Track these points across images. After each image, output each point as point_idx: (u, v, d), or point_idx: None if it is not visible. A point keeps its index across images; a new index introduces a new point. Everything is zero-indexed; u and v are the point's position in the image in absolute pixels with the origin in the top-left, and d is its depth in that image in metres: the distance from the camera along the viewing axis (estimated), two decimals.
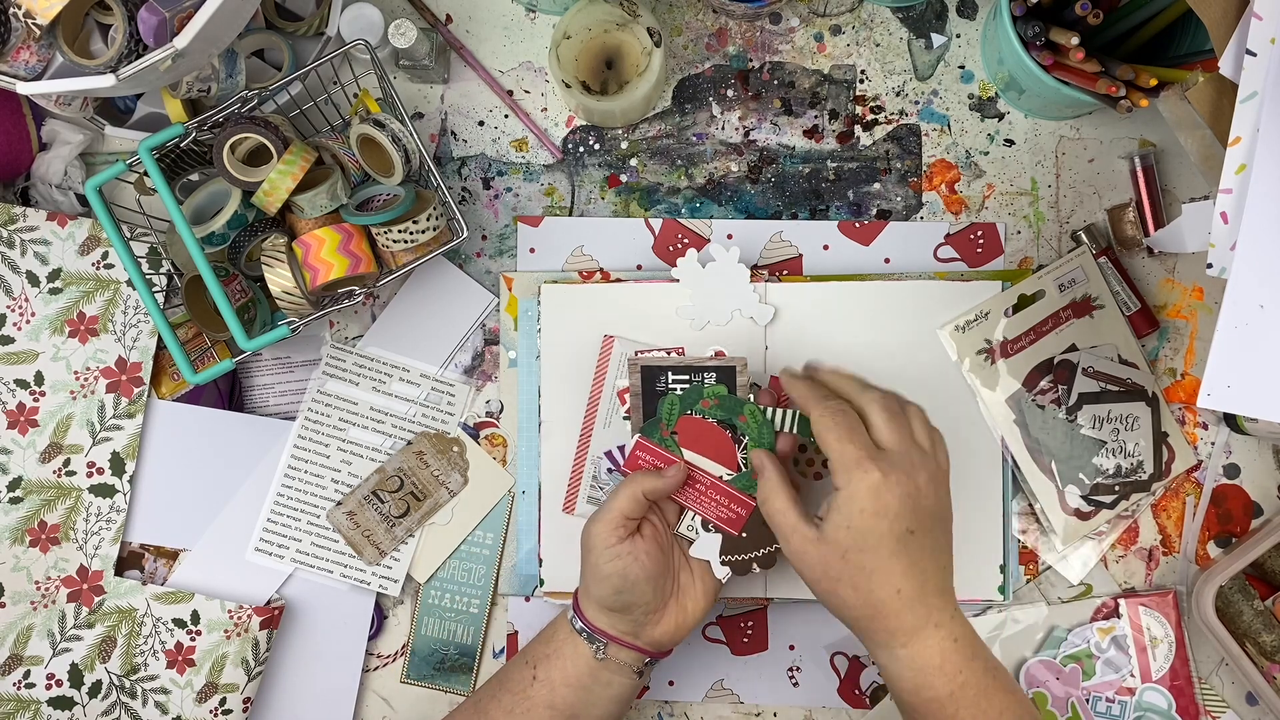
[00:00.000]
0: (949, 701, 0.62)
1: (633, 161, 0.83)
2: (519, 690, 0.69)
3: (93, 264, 0.81)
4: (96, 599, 0.80)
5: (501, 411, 0.83)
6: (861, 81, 0.83)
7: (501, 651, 0.82)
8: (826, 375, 0.68)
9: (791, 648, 0.81)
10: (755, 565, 0.71)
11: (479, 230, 0.84)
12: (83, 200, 0.83)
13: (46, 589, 0.80)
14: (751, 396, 0.73)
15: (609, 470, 0.80)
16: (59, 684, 0.79)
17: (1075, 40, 0.68)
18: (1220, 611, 0.77)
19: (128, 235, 0.80)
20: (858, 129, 0.83)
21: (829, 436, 0.62)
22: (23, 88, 0.68)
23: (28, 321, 0.80)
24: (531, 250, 0.83)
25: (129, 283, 0.81)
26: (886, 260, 0.82)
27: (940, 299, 0.79)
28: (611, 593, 0.68)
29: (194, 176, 0.79)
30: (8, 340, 0.80)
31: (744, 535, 0.71)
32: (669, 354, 0.78)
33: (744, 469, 0.71)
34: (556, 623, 0.72)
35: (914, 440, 0.64)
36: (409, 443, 0.82)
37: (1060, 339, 0.79)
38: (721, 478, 0.70)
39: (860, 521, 0.61)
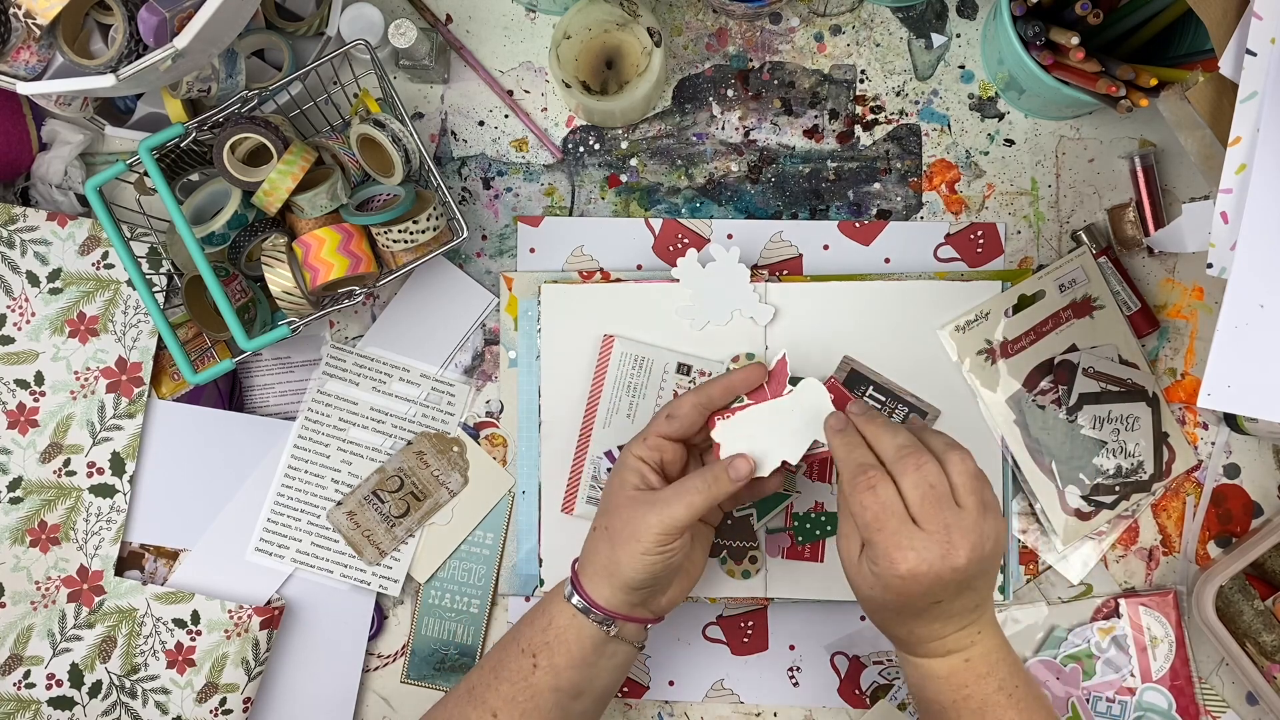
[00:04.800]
0: (987, 701, 0.63)
1: (633, 161, 0.83)
2: (519, 679, 0.68)
3: (93, 264, 0.81)
4: (97, 599, 0.80)
5: (501, 411, 0.83)
6: (861, 81, 0.83)
7: None
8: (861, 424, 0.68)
9: (791, 648, 0.81)
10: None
11: (479, 230, 0.84)
12: (83, 200, 0.83)
13: (47, 589, 0.80)
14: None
15: (609, 470, 0.80)
16: (59, 684, 0.79)
17: (1075, 40, 0.68)
18: (1220, 611, 0.77)
19: (128, 235, 0.80)
20: (858, 129, 0.83)
21: (899, 446, 0.63)
22: (23, 88, 0.68)
23: (28, 321, 0.80)
24: (531, 250, 0.83)
25: (129, 283, 0.81)
26: (886, 260, 0.82)
27: (940, 299, 0.79)
28: (649, 580, 0.66)
29: (194, 176, 0.79)
30: (8, 340, 0.80)
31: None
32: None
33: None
34: (551, 608, 0.69)
35: None
36: (409, 443, 0.82)
37: (1060, 339, 0.79)
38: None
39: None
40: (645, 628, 0.70)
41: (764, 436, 0.69)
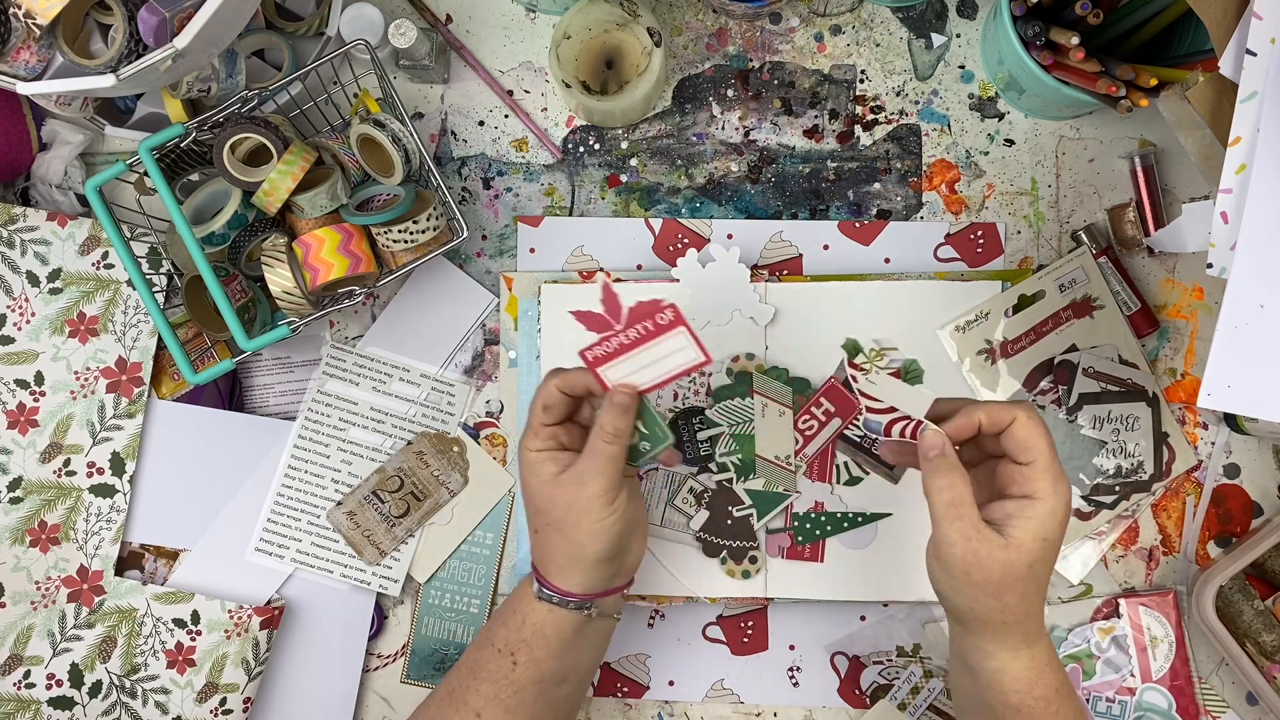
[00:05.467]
0: (1055, 698, 0.63)
1: (633, 161, 0.83)
2: (499, 678, 0.67)
3: (93, 264, 0.81)
4: (97, 599, 0.80)
5: (501, 411, 0.83)
6: (861, 81, 0.83)
7: None
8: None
9: (791, 648, 0.81)
10: None
11: (479, 230, 0.84)
12: (83, 200, 0.83)
13: (47, 589, 0.80)
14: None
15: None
16: (59, 684, 0.79)
17: (1075, 40, 0.68)
18: (1220, 611, 0.77)
19: (128, 235, 0.80)
20: (858, 129, 0.83)
21: (1044, 442, 0.60)
22: (23, 88, 0.68)
23: (28, 321, 0.80)
24: (531, 250, 0.83)
25: (129, 283, 0.81)
26: (886, 260, 0.82)
27: (940, 299, 0.79)
28: (615, 545, 0.66)
29: (194, 176, 0.79)
30: (8, 340, 0.80)
31: None
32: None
33: None
34: (521, 606, 0.68)
35: None
36: (409, 443, 0.82)
37: (1060, 339, 0.79)
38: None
39: (1054, 535, 0.60)
40: (621, 595, 0.70)
41: (641, 370, 0.66)
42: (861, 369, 0.63)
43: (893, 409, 0.63)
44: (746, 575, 0.79)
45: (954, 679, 0.68)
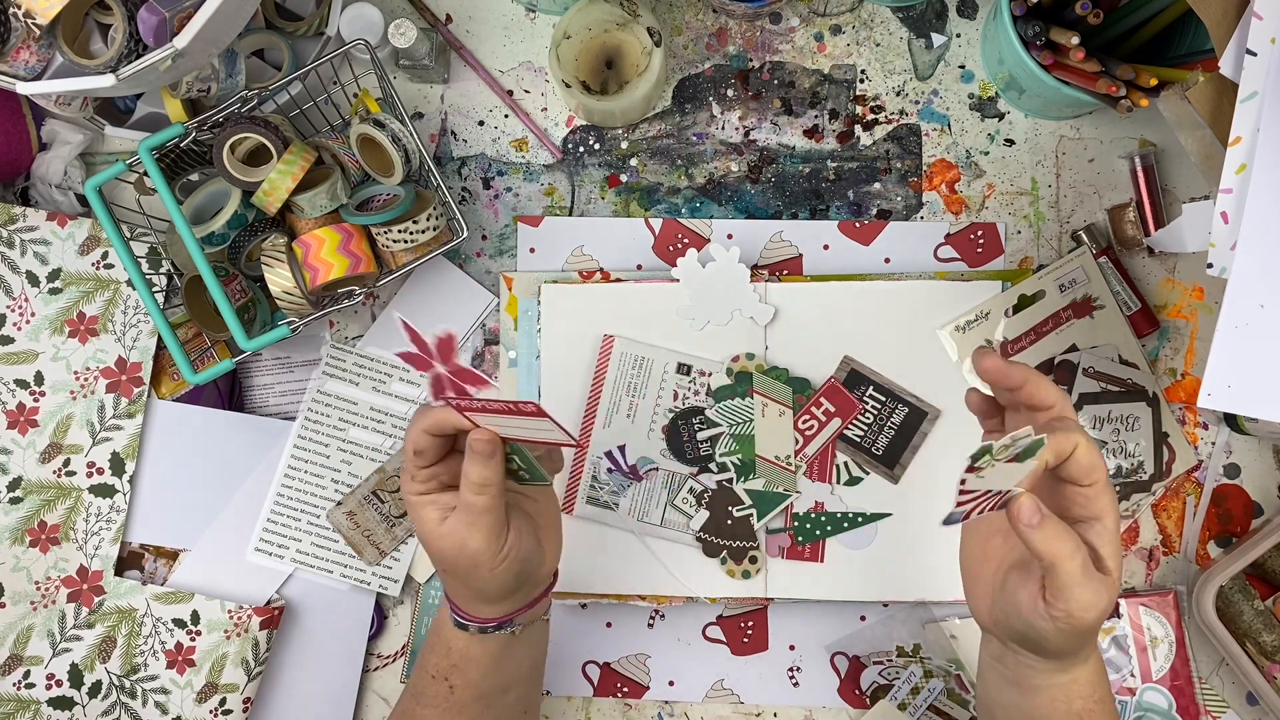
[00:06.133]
0: (1108, 697, 0.63)
1: (633, 161, 0.83)
2: (440, 702, 0.67)
3: (93, 264, 0.81)
4: (96, 599, 0.80)
5: None
6: (861, 81, 0.83)
7: None
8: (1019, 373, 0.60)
9: (791, 648, 0.81)
10: None
11: (479, 230, 0.84)
12: (83, 200, 0.83)
13: (46, 589, 0.80)
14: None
15: (609, 470, 0.80)
16: (59, 684, 0.79)
17: (1075, 40, 0.68)
18: (1220, 611, 0.77)
19: (128, 235, 0.80)
20: (858, 129, 0.83)
21: (1101, 461, 0.57)
22: (23, 88, 0.68)
23: (28, 321, 0.80)
24: (531, 250, 0.83)
25: (129, 283, 0.81)
26: (886, 260, 0.82)
27: (940, 299, 0.79)
28: (518, 578, 0.64)
29: (194, 176, 0.79)
30: (8, 340, 0.80)
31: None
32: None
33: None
34: (445, 634, 0.67)
35: None
36: None
37: (1061, 339, 0.79)
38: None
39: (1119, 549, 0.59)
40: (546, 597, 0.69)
41: (508, 427, 0.62)
42: (979, 470, 0.54)
43: (985, 493, 0.56)
44: (746, 575, 0.79)
45: (996, 699, 0.64)
